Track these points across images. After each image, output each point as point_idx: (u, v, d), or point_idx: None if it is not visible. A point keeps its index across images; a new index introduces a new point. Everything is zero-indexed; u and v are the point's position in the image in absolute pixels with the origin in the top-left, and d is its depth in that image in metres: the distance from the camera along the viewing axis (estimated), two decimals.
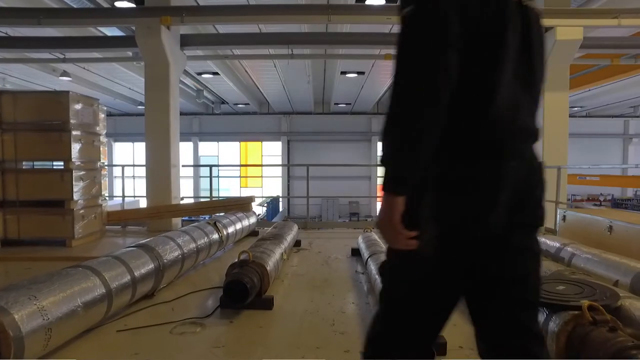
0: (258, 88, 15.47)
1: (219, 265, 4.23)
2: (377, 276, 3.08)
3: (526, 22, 1.10)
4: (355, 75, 13.44)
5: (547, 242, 3.78)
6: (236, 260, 3.12)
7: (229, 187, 21.10)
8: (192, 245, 3.83)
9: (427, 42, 0.96)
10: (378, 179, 20.28)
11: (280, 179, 20.18)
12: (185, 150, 20.28)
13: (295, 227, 5.01)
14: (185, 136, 19.84)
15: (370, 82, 14.26)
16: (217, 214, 5.72)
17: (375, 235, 4.50)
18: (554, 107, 6.38)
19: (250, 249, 3.57)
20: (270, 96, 16.84)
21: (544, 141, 6.39)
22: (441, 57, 0.95)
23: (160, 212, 5.98)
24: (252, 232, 5.80)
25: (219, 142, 20.48)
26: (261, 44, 6.67)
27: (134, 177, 18.98)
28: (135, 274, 2.90)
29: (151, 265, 3.12)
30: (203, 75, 13.77)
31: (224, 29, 7.23)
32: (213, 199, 7.56)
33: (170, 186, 6.20)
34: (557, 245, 3.61)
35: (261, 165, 21.60)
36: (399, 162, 1.00)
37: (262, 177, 20.72)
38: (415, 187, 1.01)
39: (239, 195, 20.01)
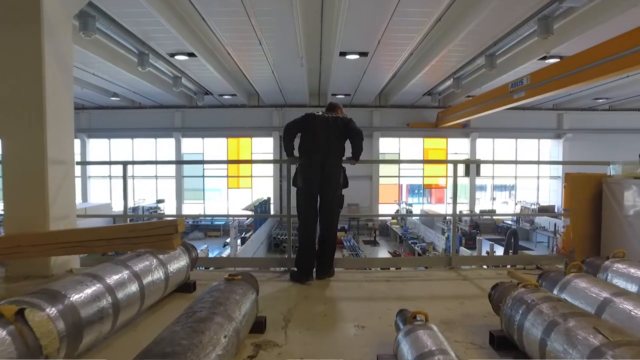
0: (244, 75, 12.58)
1: None
2: None
3: (325, 122, 3.65)
4: (357, 56, 10.76)
5: None
6: None
7: (220, 188, 18.22)
8: None
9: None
10: (380, 179, 17.44)
11: (272, 178, 17.28)
12: (167, 148, 17.38)
13: (249, 301, 2.12)
14: (166, 131, 16.95)
15: (373, 66, 11.57)
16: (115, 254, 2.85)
17: (443, 341, 1.65)
18: None
19: None
20: (260, 85, 13.93)
21: None
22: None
23: (22, 247, 3.11)
24: (182, 286, 2.94)
25: (204, 139, 17.46)
26: None
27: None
28: None
29: None
30: (177, 57, 10.98)
31: None
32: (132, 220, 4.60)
33: (45, 200, 3.32)
34: None
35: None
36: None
37: (252, 176, 17.78)
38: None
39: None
